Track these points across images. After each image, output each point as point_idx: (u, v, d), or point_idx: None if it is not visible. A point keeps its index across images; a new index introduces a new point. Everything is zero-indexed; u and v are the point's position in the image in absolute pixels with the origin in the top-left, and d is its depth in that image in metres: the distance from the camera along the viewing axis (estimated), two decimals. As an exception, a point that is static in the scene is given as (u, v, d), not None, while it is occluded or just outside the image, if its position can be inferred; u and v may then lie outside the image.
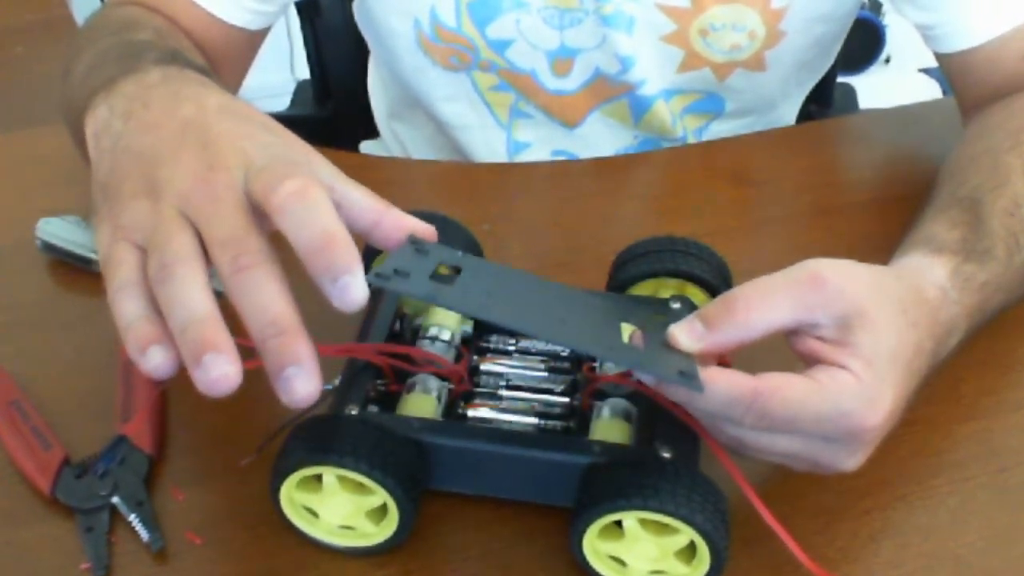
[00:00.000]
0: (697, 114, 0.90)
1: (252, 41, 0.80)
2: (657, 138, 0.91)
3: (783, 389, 0.48)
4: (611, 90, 0.86)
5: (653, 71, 0.84)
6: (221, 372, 0.43)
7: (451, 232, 0.62)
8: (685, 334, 0.50)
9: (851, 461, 0.52)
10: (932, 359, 0.55)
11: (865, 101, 1.22)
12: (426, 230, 0.49)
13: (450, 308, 0.49)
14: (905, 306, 0.53)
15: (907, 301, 0.53)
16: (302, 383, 0.43)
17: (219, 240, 0.45)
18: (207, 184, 0.46)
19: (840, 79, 1.18)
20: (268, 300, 0.44)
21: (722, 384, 0.48)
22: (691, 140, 0.92)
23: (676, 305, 0.56)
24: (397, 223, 0.49)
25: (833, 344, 0.50)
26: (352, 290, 0.43)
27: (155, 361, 0.45)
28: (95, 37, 0.68)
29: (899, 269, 0.57)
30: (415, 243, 0.49)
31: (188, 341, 0.43)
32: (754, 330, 0.50)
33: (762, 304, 0.50)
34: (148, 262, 0.46)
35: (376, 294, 0.61)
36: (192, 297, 0.44)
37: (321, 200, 0.45)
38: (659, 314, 0.54)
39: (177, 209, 0.46)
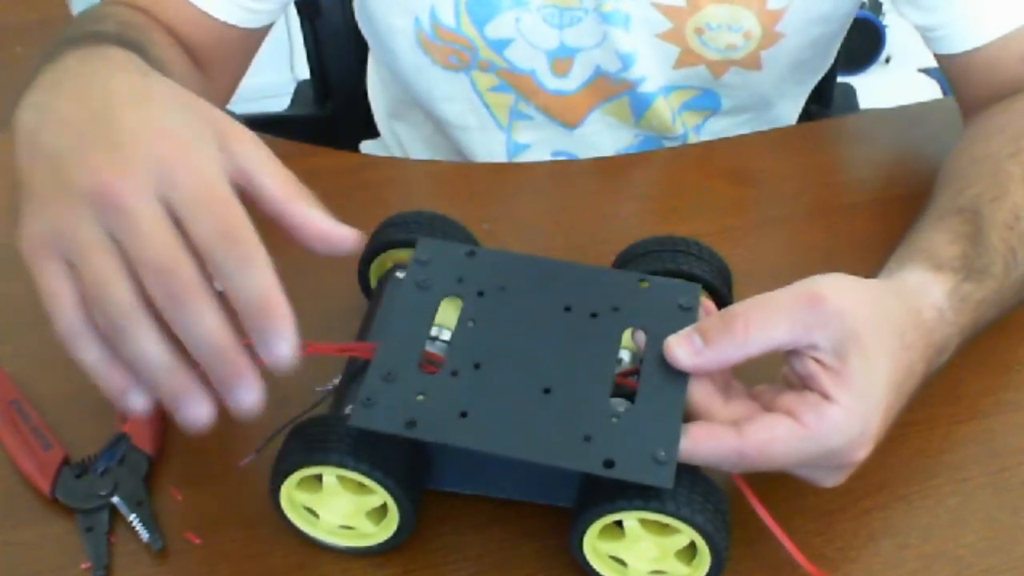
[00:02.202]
0: (695, 110, 0.90)
1: (247, 41, 0.79)
2: (657, 137, 0.90)
3: (768, 447, 0.49)
4: (612, 88, 0.86)
5: (651, 68, 0.84)
6: (195, 413, 0.46)
7: (451, 232, 0.62)
8: (683, 350, 0.50)
9: (831, 481, 0.53)
10: (922, 380, 0.55)
11: (865, 101, 1.22)
12: (331, 236, 0.48)
13: (425, 439, 0.50)
14: (903, 329, 0.53)
15: (905, 324, 0.54)
16: (248, 395, 0.45)
17: (145, 267, 0.44)
18: (116, 192, 0.45)
19: (840, 79, 1.18)
20: (207, 329, 0.44)
21: (705, 449, 0.49)
22: (691, 137, 0.92)
23: (687, 302, 0.55)
24: (299, 223, 0.47)
25: (828, 370, 0.50)
26: (280, 352, 0.44)
27: (136, 406, 0.47)
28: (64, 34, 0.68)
29: (898, 286, 0.57)
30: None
31: (166, 391, 0.45)
32: (752, 348, 0.50)
33: (761, 322, 0.50)
34: (87, 295, 0.46)
35: (376, 294, 0.61)
36: (148, 351, 0.45)
37: (256, 257, 0.44)
38: (671, 311, 0.54)
39: (93, 219, 0.45)
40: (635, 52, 0.83)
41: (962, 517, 0.56)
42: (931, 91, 2.14)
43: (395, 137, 1.02)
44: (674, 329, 0.51)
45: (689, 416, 0.51)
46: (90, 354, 0.47)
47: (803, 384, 0.51)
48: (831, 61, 0.96)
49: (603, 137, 0.90)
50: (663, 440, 0.48)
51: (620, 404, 0.51)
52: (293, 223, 0.48)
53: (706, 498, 0.48)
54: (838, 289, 0.51)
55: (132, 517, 0.54)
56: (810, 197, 0.79)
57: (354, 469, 0.50)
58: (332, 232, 0.48)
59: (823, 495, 0.57)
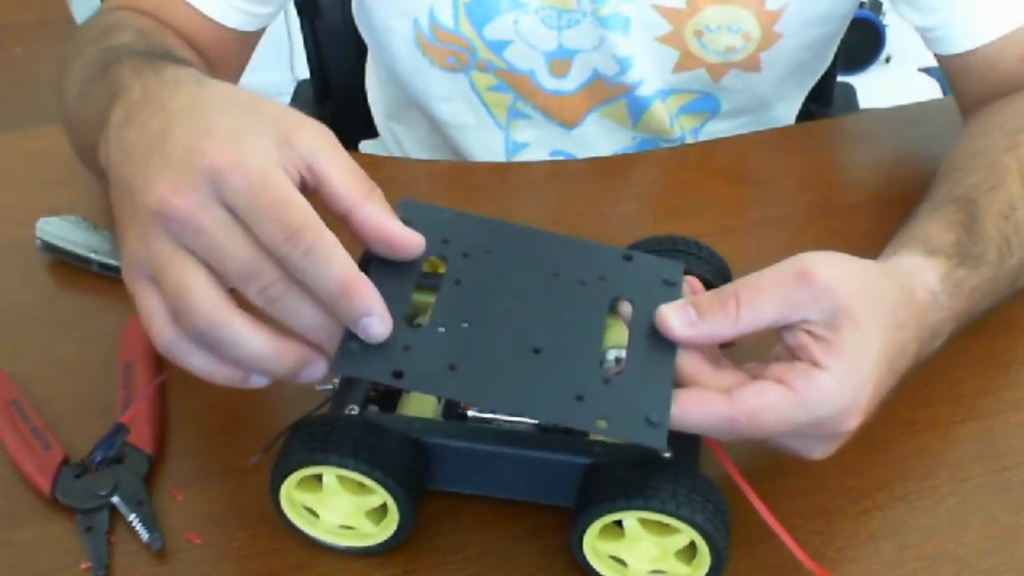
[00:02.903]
0: (693, 114, 0.90)
1: (246, 42, 0.80)
2: (655, 139, 0.91)
3: (759, 413, 0.49)
4: (609, 91, 0.86)
5: (650, 71, 0.84)
6: (312, 374, 0.48)
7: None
8: (677, 318, 0.50)
9: (819, 453, 0.53)
10: (914, 360, 0.55)
11: (865, 101, 1.22)
12: (396, 241, 0.49)
13: (412, 390, 0.50)
14: (895, 306, 0.53)
15: (897, 302, 0.54)
16: (374, 331, 0.47)
17: (233, 275, 0.46)
18: (176, 208, 0.46)
19: (840, 79, 1.18)
20: (310, 317, 0.47)
21: (696, 415, 0.49)
22: (688, 140, 0.92)
23: (671, 278, 0.54)
24: (366, 227, 0.48)
25: (819, 341, 0.50)
26: (373, 328, 0.47)
27: (258, 385, 0.49)
28: (82, 46, 0.69)
29: (891, 267, 0.57)
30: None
31: (279, 373, 0.48)
32: (742, 327, 0.50)
33: (751, 301, 0.50)
34: (171, 308, 0.47)
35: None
36: (244, 349, 0.47)
37: (323, 249, 0.45)
38: (656, 285, 0.54)
39: (163, 237, 0.47)
40: (632, 56, 0.83)
41: (962, 517, 0.56)
42: (931, 91, 2.14)
43: (394, 137, 1.02)
44: (659, 302, 0.51)
45: (678, 385, 0.50)
46: (195, 360, 0.48)
47: (794, 356, 0.51)
48: (828, 63, 0.96)
49: (601, 138, 0.90)
50: (655, 404, 0.48)
51: (610, 371, 0.50)
52: (358, 224, 0.48)
53: (706, 498, 0.48)
54: (828, 264, 0.51)
55: (132, 517, 0.54)
56: (810, 197, 0.79)
57: (354, 469, 0.49)
58: (398, 237, 0.49)
59: (823, 495, 0.57)
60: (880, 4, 2.23)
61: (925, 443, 0.60)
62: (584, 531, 0.50)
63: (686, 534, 0.49)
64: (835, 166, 0.84)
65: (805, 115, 1.03)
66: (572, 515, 0.50)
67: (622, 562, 0.51)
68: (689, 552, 0.50)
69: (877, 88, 1.61)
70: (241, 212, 0.46)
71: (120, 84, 0.55)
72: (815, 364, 0.50)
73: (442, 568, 0.53)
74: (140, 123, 0.51)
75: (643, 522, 0.49)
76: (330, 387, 0.56)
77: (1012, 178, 0.65)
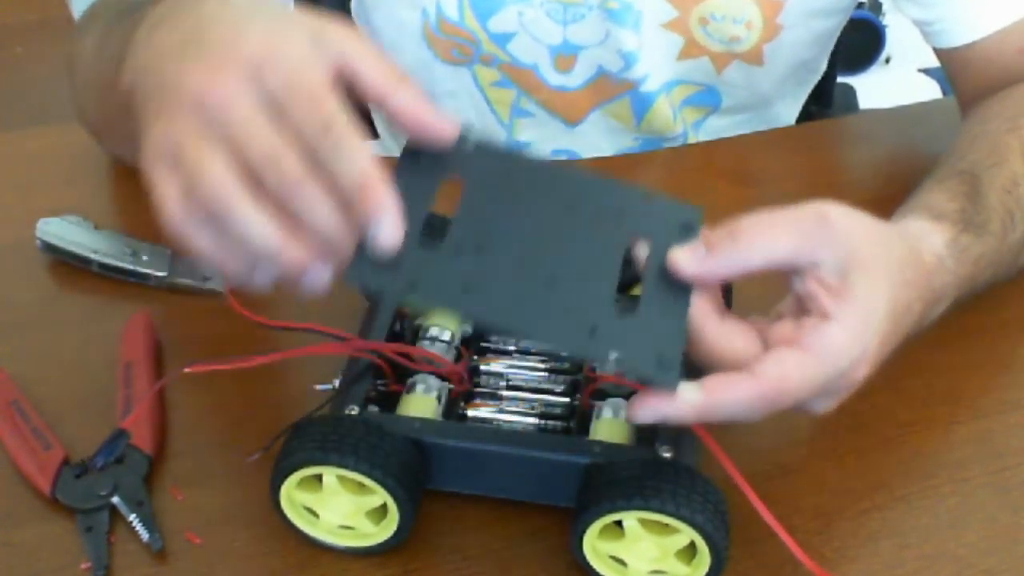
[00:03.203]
0: (695, 106, 0.91)
1: None
2: (658, 140, 0.91)
3: (784, 381, 0.48)
4: (613, 89, 0.86)
5: (655, 62, 0.85)
6: (316, 280, 0.47)
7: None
8: (686, 257, 0.50)
9: (823, 407, 0.52)
10: (918, 321, 0.55)
11: (865, 101, 1.22)
12: (432, 123, 0.48)
13: (424, 304, 0.49)
14: (903, 264, 0.53)
15: (906, 260, 0.54)
16: (385, 233, 0.45)
17: (257, 159, 0.45)
18: (210, 92, 0.46)
19: (840, 79, 1.18)
20: (325, 214, 0.46)
21: (727, 399, 0.48)
22: (690, 135, 0.92)
23: (690, 222, 0.53)
24: (402, 110, 0.48)
25: (829, 289, 0.50)
26: (385, 229, 0.45)
27: (259, 281, 0.48)
28: (94, 24, 0.69)
29: (901, 229, 0.58)
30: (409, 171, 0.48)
31: (282, 266, 0.46)
32: (755, 257, 0.50)
33: (766, 232, 0.50)
34: (189, 186, 0.46)
35: (376, 296, 0.61)
36: (252, 228, 0.46)
37: (352, 140, 0.45)
38: (674, 228, 0.53)
39: (194, 122, 0.46)
40: (638, 51, 0.83)
41: (962, 517, 0.56)
42: (931, 91, 2.14)
43: (394, 138, 1.02)
44: (675, 244, 0.50)
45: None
46: (203, 241, 0.47)
47: (801, 309, 0.51)
48: (825, 62, 0.96)
49: (603, 137, 0.90)
50: (668, 343, 0.48)
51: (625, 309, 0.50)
52: (394, 109, 0.48)
53: (706, 498, 0.48)
54: (847, 212, 0.51)
55: (132, 517, 0.54)
56: (811, 197, 0.78)
57: (354, 469, 0.49)
58: (433, 119, 0.48)
59: (823, 495, 0.57)
60: (880, 4, 2.22)
61: (925, 443, 0.60)
62: (584, 531, 0.50)
63: (686, 534, 0.49)
64: (835, 166, 0.85)
65: (805, 116, 1.03)
66: (572, 515, 0.50)
67: (622, 562, 0.51)
68: (689, 552, 0.50)
69: (877, 88, 1.61)
70: (278, 100, 0.46)
71: (144, 11, 0.56)
72: (824, 315, 0.49)
73: (442, 568, 0.53)
74: (171, 25, 0.51)
75: (643, 522, 0.49)
76: (330, 387, 0.56)
77: (1014, 156, 0.67)
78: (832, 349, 0.49)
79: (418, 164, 0.50)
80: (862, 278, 0.50)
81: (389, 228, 0.45)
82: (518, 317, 0.47)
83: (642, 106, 0.88)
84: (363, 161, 0.45)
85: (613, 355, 0.46)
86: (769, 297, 0.54)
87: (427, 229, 0.49)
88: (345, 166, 0.45)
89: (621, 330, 0.48)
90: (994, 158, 0.66)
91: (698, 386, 0.48)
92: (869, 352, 0.50)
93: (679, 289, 0.50)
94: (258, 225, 0.46)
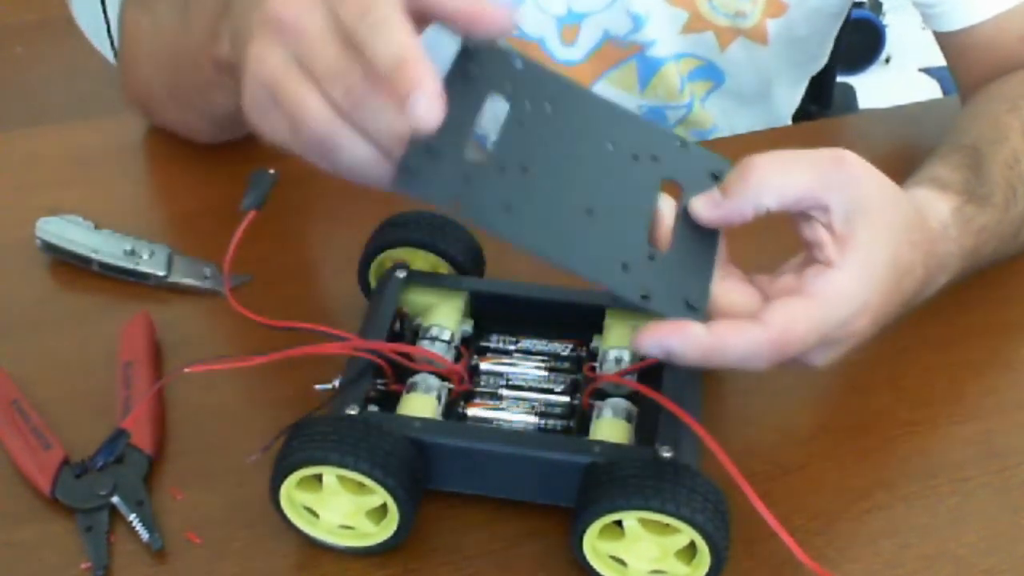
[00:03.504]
0: (701, 80, 0.91)
1: None
2: (662, 107, 0.90)
3: (791, 327, 0.49)
4: (619, 53, 0.86)
5: (662, 31, 0.85)
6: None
7: (451, 233, 0.62)
8: (703, 204, 0.51)
9: (823, 358, 0.52)
10: (920, 288, 0.56)
11: (865, 101, 1.22)
12: (484, 14, 0.48)
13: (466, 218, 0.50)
14: (910, 225, 0.54)
15: (912, 222, 0.54)
16: (424, 108, 0.45)
17: (324, 76, 0.47)
18: (281, 17, 0.48)
19: (840, 79, 1.18)
20: (387, 121, 0.47)
21: (736, 344, 0.48)
22: (696, 107, 0.92)
23: (719, 171, 0.54)
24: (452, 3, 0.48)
25: (835, 236, 0.50)
26: (420, 105, 0.44)
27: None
28: (152, 4, 0.72)
29: (909, 195, 0.58)
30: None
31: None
32: (767, 194, 0.50)
33: (779, 169, 0.50)
34: (298, 131, 0.49)
35: (376, 294, 0.61)
36: (357, 156, 0.48)
37: (388, 21, 0.46)
38: (704, 175, 0.54)
39: (281, 55, 0.48)
40: (647, 13, 0.83)
41: (962, 517, 0.56)
42: (931, 91, 2.14)
43: None
44: (703, 191, 0.52)
45: None
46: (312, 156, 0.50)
47: (807, 262, 0.51)
48: (828, 48, 0.96)
49: None
50: (696, 288, 0.49)
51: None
52: (442, 4, 0.48)
53: (706, 498, 0.48)
54: (861, 161, 0.52)
55: (132, 517, 0.54)
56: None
57: (354, 469, 0.49)
58: (486, 9, 0.48)
59: (823, 495, 0.57)
60: (880, 4, 2.23)
61: (925, 443, 0.60)
62: (584, 531, 0.50)
63: (686, 534, 0.49)
64: (835, 166, 0.84)
65: (805, 115, 1.03)
66: (572, 515, 0.50)
67: (622, 562, 0.51)
68: (689, 552, 0.50)
69: (877, 88, 1.61)
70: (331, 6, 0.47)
71: None
72: (828, 263, 0.50)
73: (442, 568, 0.53)
74: None
75: (643, 522, 0.49)
76: (330, 387, 0.56)
77: (1015, 134, 0.67)
78: (835, 295, 0.50)
79: (467, 77, 0.50)
80: (867, 228, 0.50)
81: (427, 104, 0.44)
82: (555, 245, 0.48)
83: (648, 71, 0.87)
84: (398, 38, 0.45)
85: (644, 295, 0.47)
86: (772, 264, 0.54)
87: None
88: (382, 47, 0.45)
89: (652, 270, 0.49)
90: (995, 134, 0.67)
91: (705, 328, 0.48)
92: (870, 304, 0.51)
93: (707, 233, 0.51)
94: (358, 151, 0.48)
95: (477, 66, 0.50)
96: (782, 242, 0.53)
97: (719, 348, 0.48)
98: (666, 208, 0.52)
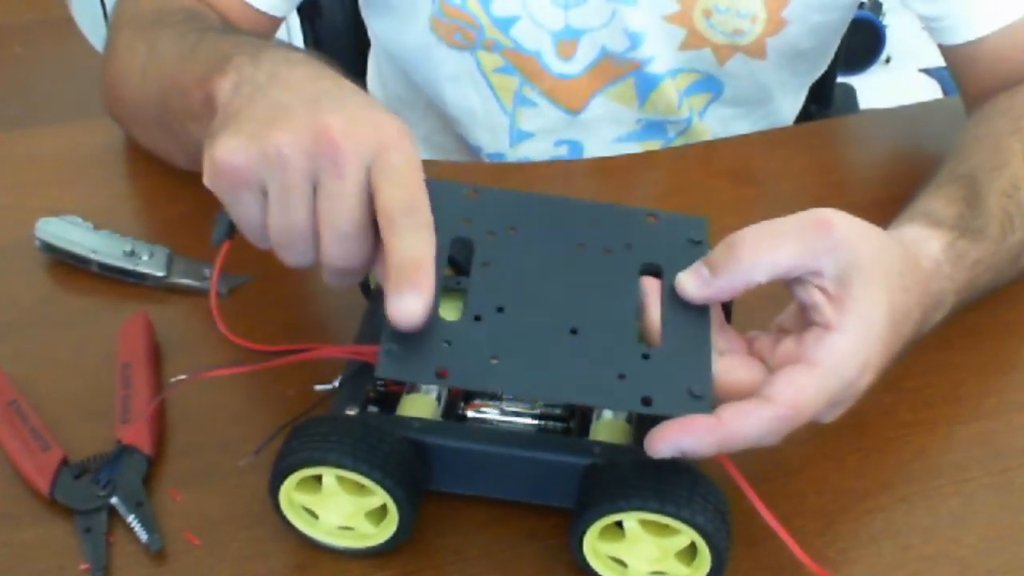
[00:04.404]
0: (699, 94, 0.91)
1: (273, 26, 0.82)
2: (661, 121, 0.91)
3: (799, 398, 0.49)
4: (617, 70, 0.87)
5: (659, 48, 0.85)
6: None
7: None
8: (692, 283, 0.51)
9: (829, 417, 0.52)
10: (918, 328, 0.55)
11: (865, 101, 1.22)
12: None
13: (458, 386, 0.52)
14: (902, 270, 0.53)
15: (904, 266, 0.54)
16: (414, 303, 0.47)
17: (328, 226, 0.50)
18: (338, 146, 0.49)
19: (840, 79, 1.18)
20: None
21: (745, 428, 0.48)
22: (695, 121, 0.92)
23: (696, 236, 0.54)
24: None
25: (831, 298, 0.50)
26: (412, 307, 0.47)
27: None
28: (148, 28, 0.72)
29: (898, 236, 0.58)
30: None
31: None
32: (758, 271, 0.50)
33: (767, 244, 0.50)
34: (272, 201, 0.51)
35: (376, 294, 0.60)
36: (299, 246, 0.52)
37: (425, 226, 0.49)
38: (683, 245, 0.54)
39: (305, 155, 0.49)
40: (644, 31, 0.83)
41: (964, 518, 0.56)
42: (931, 91, 2.14)
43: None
44: (687, 263, 0.51)
45: None
46: (289, 257, 0.53)
47: (802, 319, 0.51)
48: (830, 57, 0.96)
49: (605, 123, 0.90)
50: (696, 376, 0.48)
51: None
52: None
53: (706, 499, 0.48)
54: (845, 219, 0.51)
55: (131, 518, 0.54)
56: (810, 197, 0.79)
57: (354, 469, 0.49)
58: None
59: (824, 496, 0.57)
60: (880, 4, 2.23)
61: (927, 444, 0.60)
62: (584, 532, 0.50)
63: (686, 535, 0.49)
64: (835, 166, 0.84)
65: (805, 115, 1.03)
66: (572, 516, 0.50)
67: (622, 563, 0.51)
68: (690, 553, 0.50)
69: (877, 88, 1.61)
70: (382, 176, 0.49)
71: (268, 46, 0.60)
72: (828, 327, 0.50)
73: (442, 569, 0.53)
74: (306, 74, 0.55)
75: (643, 523, 0.49)
76: (330, 387, 0.56)
77: (1016, 159, 0.67)
78: (838, 359, 0.49)
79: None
80: (862, 287, 0.50)
81: (419, 304, 0.47)
82: (548, 384, 0.48)
83: (647, 87, 0.88)
84: (430, 245, 0.48)
85: (646, 402, 0.47)
86: (768, 308, 0.54)
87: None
88: (414, 242, 0.48)
89: (648, 370, 0.49)
90: (995, 161, 0.66)
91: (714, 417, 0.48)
92: (872, 360, 0.51)
93: (697, 311, 0.51)
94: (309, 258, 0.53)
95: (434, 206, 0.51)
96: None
97: (732, 436, 0.48)
98: (651, 299, 0.52)
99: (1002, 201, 0.64)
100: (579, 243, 0.53)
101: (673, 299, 0.51)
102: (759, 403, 0.48)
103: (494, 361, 0.48)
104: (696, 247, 0.53)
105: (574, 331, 0.50)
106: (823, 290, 0.50)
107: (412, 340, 0.48)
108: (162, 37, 0.70)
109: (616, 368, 0.49)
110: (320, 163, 0.49)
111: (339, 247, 0.50)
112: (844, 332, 0.50)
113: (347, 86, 0.55)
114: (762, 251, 0.50)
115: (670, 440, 0.47)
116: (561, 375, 0.48)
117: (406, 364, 0.47)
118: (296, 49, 0.63)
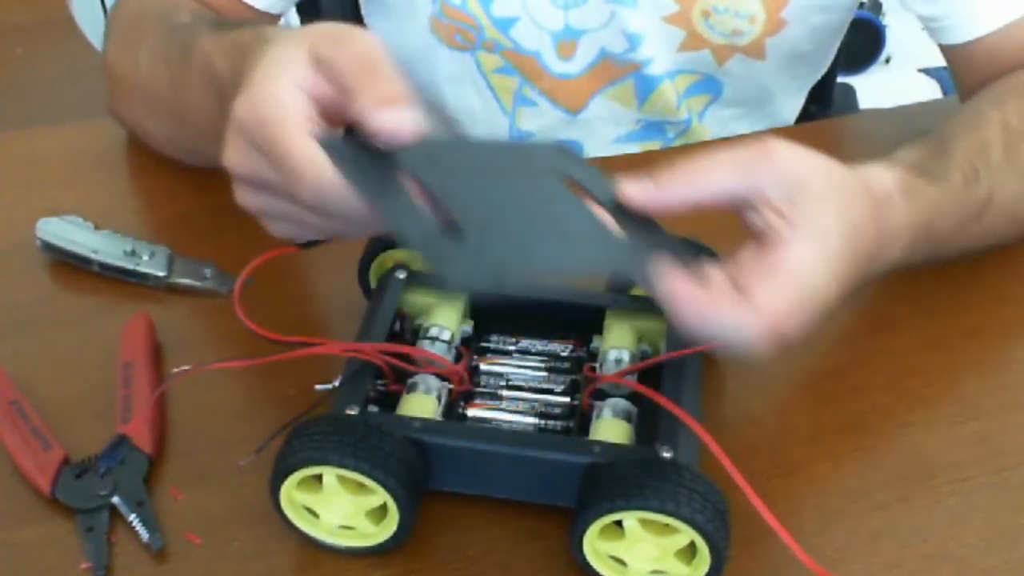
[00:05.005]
0: (698, 95, 0.91)
1: (270, 23, 0.81)
2: (660, 121, 0.91)
3: (776, 304, 0.49)
4: (616, 70, 0.87)
5: (658, 49, 0.85)
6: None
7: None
8: (634, 187, 0.52)
9: (801, 330, 0.51)
10: (875, 249, 0.55)
11: (865, 101, 1.22)
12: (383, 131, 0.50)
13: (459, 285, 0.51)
14: (851, 189, 0.54)
15: (854, 187, 0.54)
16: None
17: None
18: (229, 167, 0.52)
19: (840, 79, 1.18)
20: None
21: (720, 316, 0.49)
22: (694, 122, 0.92)
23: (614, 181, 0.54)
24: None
25: (783, 218, 0.51)
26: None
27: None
28: (151, 32, 0.72)
29: (849, 166, 0.58)
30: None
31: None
32: (700, 189, 0.52)
33: (709, 166, 0.52)
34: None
35: (376, 294, 0.61)
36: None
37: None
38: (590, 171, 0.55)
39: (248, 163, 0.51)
40: (643, 32, 0.83)
41: (962, 517, 0.56)
42: (931, 91, 2.14)
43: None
44: (600, 184, 0.53)
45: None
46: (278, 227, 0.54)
47: (760, 245, 0.52)
48: (830, 59, 0.96)
49: (605, 123, 0.91)
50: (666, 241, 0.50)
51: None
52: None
53: (706, 498, 0.48)
54: (788, 144, 0.52)
55: (132, 517, 0.54)
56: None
57: (354, 469, 0.49)
58: (385, 126, 0.50)
59: (823, 495, 0.57)
60: (880, 4, 2.23)
61: (925, 443, 0.60)
62: (584, 531, 0.50)
63: (686, 534, 0.49)
64: (835, 166, 0.84)
65: (805, 116, 1.03)
66: (572, 515, 0.50)
67: (622, 562, 0.51)
68: (689, 552, 0.50)
69: (877, 88, 1.61)
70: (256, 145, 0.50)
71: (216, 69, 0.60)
72: (784, 240, 0.50)
73: (442, 569, 0.53)
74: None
75: (643, 522, 0.49)
76: (330, 387, 0.56)
77: (993, 126, 0.67)
78: (798, 265, 0.50)
79: (365, 162, 0.50)
80: (809, 200, 0.51)
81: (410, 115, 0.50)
82: (568, 258, 0.49)
83: (646, 88, 0.88)
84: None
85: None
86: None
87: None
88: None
89: (630, 246, 0.50)
90: (970, 125, 0.68)
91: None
92: (835, 267, 0.51)
93: (646, 221, 0.52)
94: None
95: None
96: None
97: (714, 312, 0.48)
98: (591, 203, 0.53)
99: (969, 155, 0.64)
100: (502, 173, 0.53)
101: (618, 214, 0.52)
102: (745, 305, 0.49)
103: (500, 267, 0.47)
104: (613, 181, 0.54)
105: (536, 224, 0.49)
106: (775, 211, 0.51)
107: (451, 247, 0.46)
108: (139, 53, 0.71)
109: (608, 244, 0.49)
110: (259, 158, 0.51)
111: (321, 219, 0.51)
112: (800, 241, 0.50)
113: (262, 63, 0.53)
114: (702, 170, 0.52)
115: (671, 284, 0.49)
116: (563, 253, 0.48)
117: (467, 272, 0.46)
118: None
